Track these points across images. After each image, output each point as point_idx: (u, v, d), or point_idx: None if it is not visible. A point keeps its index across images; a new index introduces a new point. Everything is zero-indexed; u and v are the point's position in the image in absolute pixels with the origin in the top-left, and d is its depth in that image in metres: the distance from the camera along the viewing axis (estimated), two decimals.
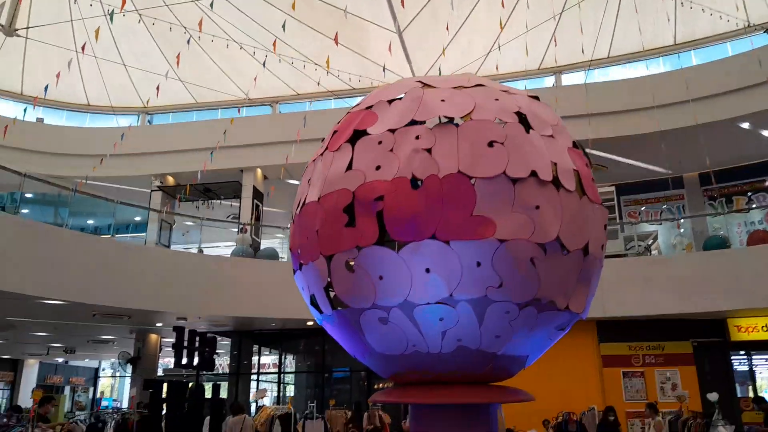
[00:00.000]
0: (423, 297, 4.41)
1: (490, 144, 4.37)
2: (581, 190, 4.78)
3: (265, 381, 19.82)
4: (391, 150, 4.43)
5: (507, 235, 4.25)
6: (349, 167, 4.52)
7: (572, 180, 4.68)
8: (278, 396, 18.72)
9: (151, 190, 19.12)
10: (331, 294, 4.72)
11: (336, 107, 20.52)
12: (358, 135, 4.65)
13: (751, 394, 14.04)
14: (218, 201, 19.63)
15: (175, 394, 5.19)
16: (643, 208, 18.36)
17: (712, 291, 12.89)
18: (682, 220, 15.86)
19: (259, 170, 18.74)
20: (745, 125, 15.26)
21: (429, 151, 4.38)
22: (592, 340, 14.50)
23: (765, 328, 13.63)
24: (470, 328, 4.49)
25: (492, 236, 4.23)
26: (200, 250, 15.83)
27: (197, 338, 5.05)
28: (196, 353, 5.17)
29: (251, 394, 17.40)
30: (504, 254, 4.29)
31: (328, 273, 4.58)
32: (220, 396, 5.59)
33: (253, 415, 13.74)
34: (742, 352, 14.35)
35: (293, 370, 20.34)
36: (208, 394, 5.90)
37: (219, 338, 18.81)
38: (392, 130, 4.52)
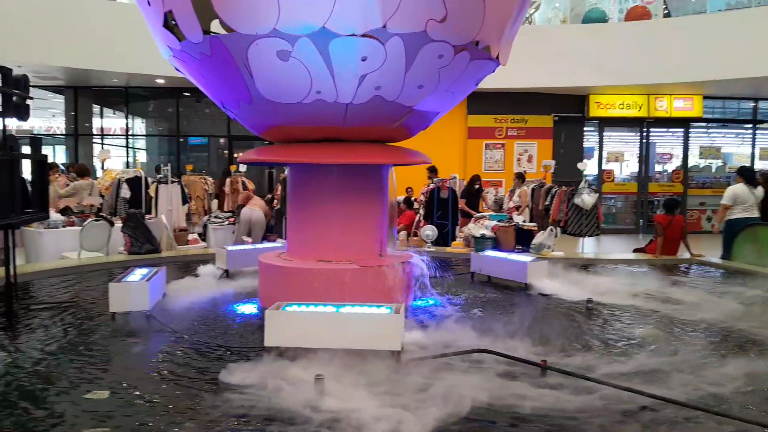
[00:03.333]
0: (348, 25, 3.26)
1: None
2: None
3: (111, 145, 17.99)
4: None
5: None
6: None
7: None
8: (127, 162, 17.19)
9: None
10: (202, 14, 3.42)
11: None
12: None
13: (606, 167, 15.30)
14: None
15: None
16: None
17: (581, 66, 12.98)
18: None
19: None
20: None
21: None
22: (461, 110, 14.45)
23: (621, 106, 14.37)
24: (395, 74, 3.55)
25: None
26: None
27: None
28: None
29: (94, 159, 15.74)
30: None
31: None
32: (43, 153, 4.36)
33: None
34: (592, 129, 15.23)
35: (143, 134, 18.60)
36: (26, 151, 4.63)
37: (52, 95, 16.22)
38: None
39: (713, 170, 15.86)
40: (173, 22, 3.60)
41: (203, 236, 9.47)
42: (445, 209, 9.34)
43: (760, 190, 7.83)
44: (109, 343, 3.94)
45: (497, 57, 3.96)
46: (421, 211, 9.72)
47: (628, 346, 3.93)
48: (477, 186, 10.64)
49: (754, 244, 7.12)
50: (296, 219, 4.76)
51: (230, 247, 6.57)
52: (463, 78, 3.89)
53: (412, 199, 10.57)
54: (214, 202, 11.90)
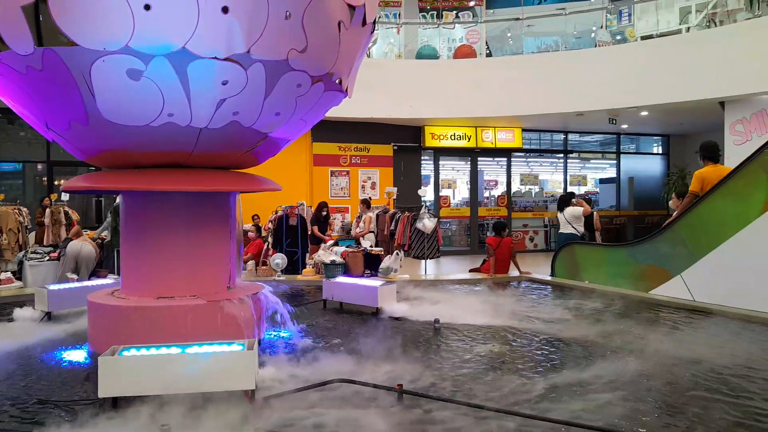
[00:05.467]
0: (210, 47, 3.12)
1: None
2: None
3: None
4: None
5: None
6: None
7: None
8: None
9: None
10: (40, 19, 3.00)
11: None
12: None
13: (442, 194, 16.21)
14: None
15: None
16: None
17: (417, 99, 13.76)
18: (402, 26, 16.10)
19: None
20: None
21: None
22: (306, 138, 14.51)
23: (453, 137, 15.42)
24: (254, 100, 3.44)
25: None
26: None
27: None
28: None
29: None
30: (319, 8, 3.27)
31: None
32: None
33: None
34: (428, 158, 16.14)
35: None
36: None
37: None
38: None
39: (532, 195, 17.59)
40: None
41: (18, 275, 8.32)
42: (295, 237, 9.23)
43: (568, 210, 8.88)
44: None
45: (346, 89, 4.06)
46: (270, 240, 9.50)
47: (477, 363, 4.13)
48: (324, 213, 10.67)
49: (572, 261, 7.98)
50: (132, 252, 4.36)
51: (52, 287, 5.85)
52: (316, 107, 3.92)
53: (260, 225, 10.30)
54: (32, 236, 10.57)
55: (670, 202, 8.31)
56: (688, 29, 12.33)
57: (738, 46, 10.72)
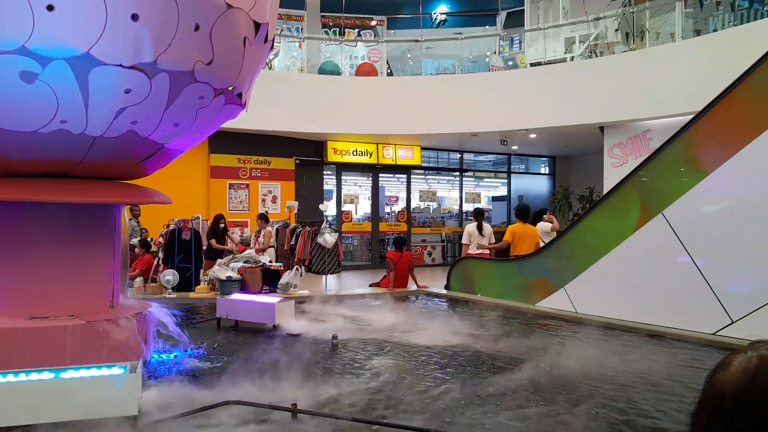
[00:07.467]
0: (116, 54, 2.96)
1: None
2: None
3: None
4: None
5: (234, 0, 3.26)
6: None
7: None
8: None
9: None
10: None
11: None
12: None
13: (344, 209, 16.19)
14: None
15: None
16: None
17: (319, 114, 13.76)
18: (304, 41, 16.07)
19: None
20: None
21: None
22: (203, 149, 14.04)
23: (355, 153, 15.54)
24: (155, 110, 3.29)
25: None
26: None
27: None
28: None
29: None
30: (227, 23, 3.24)
31: None
32: None
33: None
34: (331, 173, 16.16)
35: None
36: None
37: None
38: None
39: (431, 211, 18.08)
40: None
41: None
42: (188, 252, 8.84)
43: (539, 226, 8.81)
44: None
45: (245, 103, 4.02)
46: (160, 255, 9.03)
47: (375, 378, 4.13)
48: (222, 225, 10.33)
49: (465, 275, 8.25)
50: (1, 268, 3.97)
51: None
52: (215, 120, 3.85)
53: (149, 240, 9.77)
54: None
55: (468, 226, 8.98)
56: (572, 58, 13.27)
57: (616, 75, 11.70)
